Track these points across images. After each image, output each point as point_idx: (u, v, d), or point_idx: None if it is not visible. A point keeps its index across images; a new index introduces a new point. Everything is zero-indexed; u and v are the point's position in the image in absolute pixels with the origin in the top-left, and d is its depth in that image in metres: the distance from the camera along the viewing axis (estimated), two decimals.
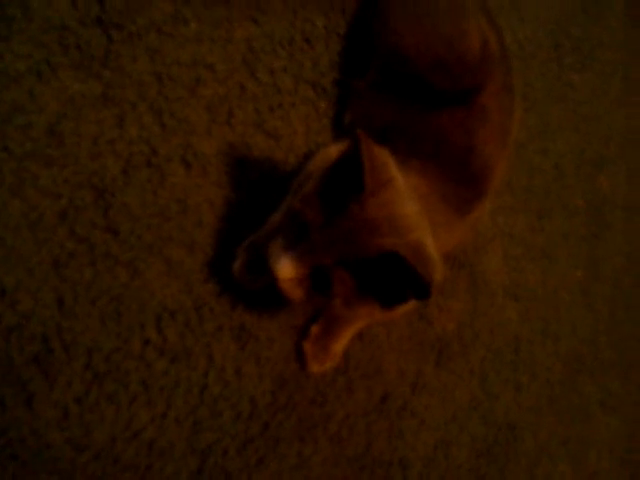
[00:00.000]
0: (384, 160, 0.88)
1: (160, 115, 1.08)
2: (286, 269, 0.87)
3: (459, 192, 1.12)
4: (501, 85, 1.20)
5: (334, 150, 1.17)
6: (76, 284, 0.98)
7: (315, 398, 1.22)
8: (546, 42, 1.85)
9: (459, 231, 1.19)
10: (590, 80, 2.00)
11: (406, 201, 0.90)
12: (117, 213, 1.03)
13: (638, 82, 2.21)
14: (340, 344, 1.22)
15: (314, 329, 1.20)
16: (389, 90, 1.19)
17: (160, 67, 1.09)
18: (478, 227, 1.55)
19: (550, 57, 1.87)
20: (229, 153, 1.15)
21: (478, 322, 1.54)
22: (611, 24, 2.12)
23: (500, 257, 1.62)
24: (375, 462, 1.29)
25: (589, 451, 1.81)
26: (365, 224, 0.84)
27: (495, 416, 1.55)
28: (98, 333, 0.99)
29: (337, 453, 1.24)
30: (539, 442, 1.66)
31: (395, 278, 0.84)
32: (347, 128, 1.25)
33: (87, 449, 0.97)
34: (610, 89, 2.09)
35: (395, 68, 1.18)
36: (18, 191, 0.95)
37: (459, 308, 1.49)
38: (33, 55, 0.97)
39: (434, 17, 1.17)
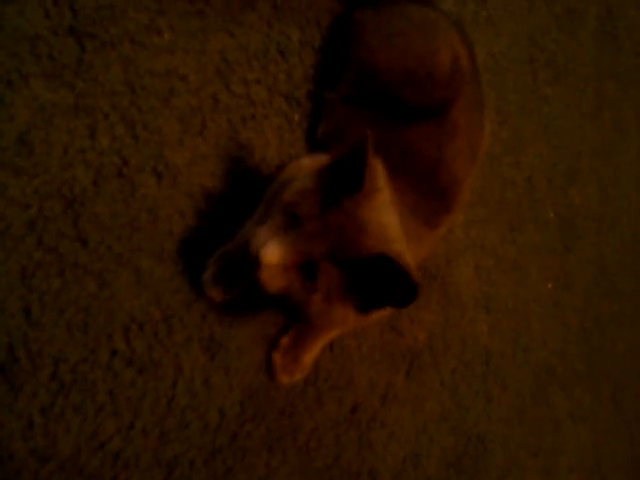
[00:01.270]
0: (380, 169, 0.89)
1: (132, 126, 1.08)
2: (274, 254, 0.84)
3: (428, 205, 1.13)
4: (471, 100, 1.21)
5: (307, 162, 1.18)
6: (43, 294, 0.97)
7: (284, 409, 1.22)
8: (521, 57, 1.88)
9: (427, 243, 1.21)
10: (563, 94, 2.03)
11: (391, 212, 0.92)
12: (87, 223, 1.02)
13: (610, 97, 2.25)
14: (310, 355, 1.22)
15: (284, 340, 1.21)
16: (361, 104, 1.20)
17: (133, 77, 1.09)
18: (449, 239, 1.57)
19: (524, 71, 1.89)
20: (201, 164, 1.15)
21: (449, 333, 1.55)
22: (585, 40, 2.15)
23: (472, 269, 1.63)
24: (344, 473, 1.30)
25: (559, 462, 1.84)
26: (357, 222, 0.85)
27: (465, 427, 1.57)
28: (65, 343, 0.98)
29: (305, 464, 1.24)
30: (509, 453, 1.67)
31: (379, 281, 0.84)
32: (320, 141, 1.26)
33: (51, 460, 0.96)
34: (582, 104, 2.12)
35: (367, 82, 1.19)
36: None
37: (430, 319, 1.50)
38: (4, 64, 0.97)
39: (406, 33, 1.18)
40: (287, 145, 1.27)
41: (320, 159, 1.19)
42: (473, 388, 1.60)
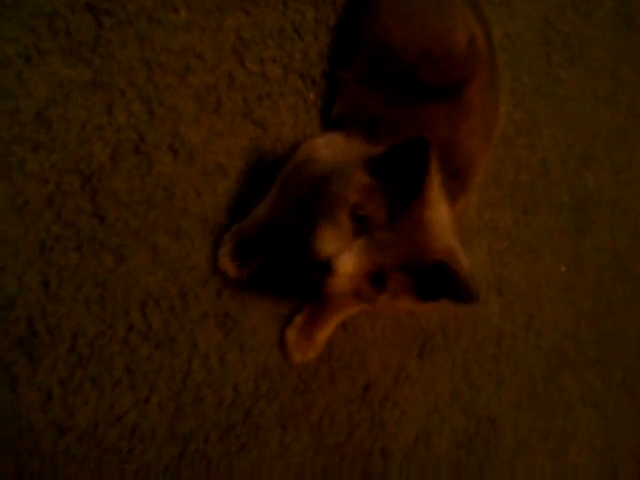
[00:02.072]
0: (436, 161, 0.87)
1: (149, 102, 1.09)
2: (348, 265, 0.85)
3: (443, 185, 1.13)
4: (487, 80, 1.21)
5: (320, 142, 1.18)
6: (62, 268, 0.99)
7: (297, 386, 1.23)
8: (536, 38, 1.86)
9: None
10: (578, 77, 2.02)
11: (444, 202, 0.91)
12: (104, 199, 1.03)
13: (626, 80, 2.22)
14: (324, 334, 1.23)
15: (298, 318, 1.21)
16: (376, 83, 1.20)
17: (150, 54, 1.09)
18: (463, 220, 1.56)
19: (539, 53, 1.88)
20: (217, 142, 1.16)
21: (462, 315, 1.55)
22: (600, 22, 2.13)
23: (485, 251, 1.63)
24: (356, 451, 1.31)
25: (569, 445, 1.83)
26: (425, 228, 0.85)
27: (476, 408, 1.57)
28: (83, 317, 1.00)
29: (318, 441, 1.25)
30: (519, 435, 1.67)
31: (443, 282, 0.85)
32: (335, 120, 1.26)
33: (70, 431, 0.97)
34: (598, 86, 2.10)
35: (382, 61, 1.19)
36: (5, 175, 0.95)
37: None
38: (22, 40, 0.97)
39: (423, 12, 1.18)
40: (302, 124, 1.27)
41: (335, 138, 1.19)
42: (485, 369, 1.60)
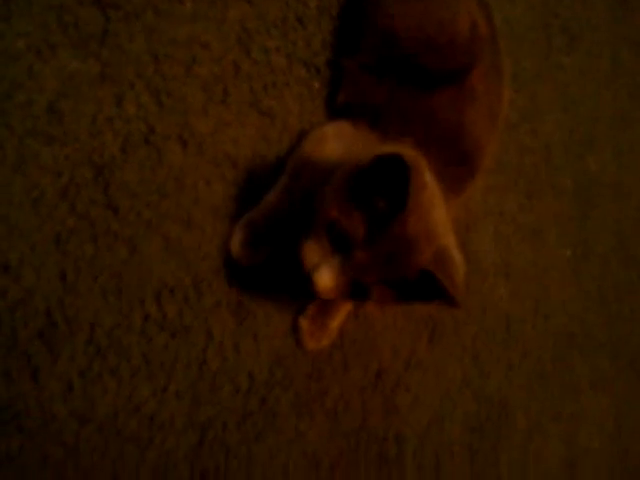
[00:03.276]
0: (423, 167, 0.87)
1: (157, 94, 1.09)
2: (326, 280, 0.89)
3: (451, 171, 1.13)
4: (490, 66, 1.22)
5: (329, 130, 1.19)
6: (78, 260, 0.99)
7: (312, 373, 1.24)
8: (535, 23, 1.87)
9: (452, 210, 1.21)
10: (579, 61, 2.02)
11: (437, 205, 0.92)
12: (116, 190, 1.04)
13: (626, 64, 2.23)
14: (336, 321, 1.24)
15: (311, 307, 1.22)
16: (381, 71, 1.20)
17: (157, 46, 1.10)
18: (469, 205, 1.57)
19: (539, 38, 1.88)
20: (225, 132, 1.16)
21: (470, 300, 1.56)
22: (598, 6, 2.13)
23: (491, 236, 1.64)
24: (371, 437, 1.32)
25: (580, 429, 1.84)
26: (407, 243, 0.86)
27: (487, 393, 1.58)
28: (100, 308, 1.01)
29: (333, 428, 1.26)
30: (531, 419, 1.68)
31: (426, 287, 0.87)
32: (340, 108, 1.27)
33: (91, 421, 0.98)
34: (599, 70, 2.11)
35: (386, 49, 1.19)
36: (20, 168, 0.96)
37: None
38: (33, 34, 0.98)
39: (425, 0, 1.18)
40: (307, 112, 1.28)
41: (343, 127, 1.20)
42: (494, 354, 1.61)
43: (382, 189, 0.86)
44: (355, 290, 0.92)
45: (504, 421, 1.61)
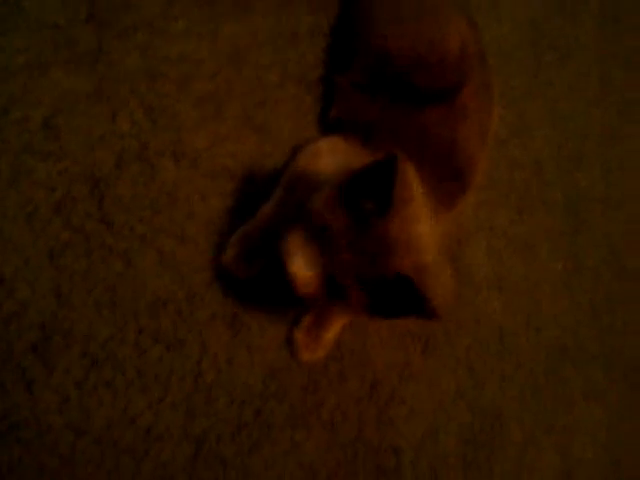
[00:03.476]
0: (412, 177, 0.89)
1: (151, 110, 1.11)
2: (299, 267, 0.90)
3: (443, 187, 1.15)
4: (480, 83, 1.24)
5: (323, 145, 1.21)
6: (72, 274, 1.00)
7: (307, 385, 1.25)
8: (523, 41, 1.90)
9: (444, 225, 1.23)
10: (568, 78, 2.05)
11: (423, 220, 0.92)
12: (111, 205, 1.05)
13: (615, 82, 2.26)
14: (331, 333, 1.24)
15: (306, 318, 1.23)
16: (372, 88, 1.22)
17: (150, 63, 1.12)
18: (461, 220, 1.59)
19: (528, 56, 1.91)
20: (218, 147, 1.18)
21: (463, 312, 1.57)
22: (586, 24, 2.17)
23: (483, 250, 1.65)
24: (367, 448, 1.32)
25: (573, 440, 1.85)
26: (385, 246, 0.87)
27: (481, 404, 1.58)
28: (94, 321, 1.02)
29: (329, 439, 1.26)
30: (524, 430, 1.69)
31: (403, 295, 0.87)
32: (332, 124, 1.29)
33: (86, 433, 0.99)
34: (587, 87, 2.14)
35: (378, 67, 1.21)
36: (15, 183, 0.97)
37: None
38: (27, 52, 1.00)
39: (416, 20, 1.21)
40: (300, 128, 1.29)
41: (336, 143, 1.22)
42: (488, 366, 1.61)
43: (372, 193, 0.87)
44: (331, 289, 0.92)
45: (498, 432, 1.61)
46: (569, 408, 1.85)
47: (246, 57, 1.23)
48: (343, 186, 0.92)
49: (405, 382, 1.41)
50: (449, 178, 1.18)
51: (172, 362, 1.09)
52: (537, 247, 1.83)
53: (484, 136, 1.26)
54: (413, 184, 0.89)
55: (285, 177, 1.18)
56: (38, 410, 0.95)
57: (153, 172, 1.11)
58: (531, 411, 1.72)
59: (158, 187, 1.11)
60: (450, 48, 1.18)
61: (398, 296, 0.87)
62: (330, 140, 1.24)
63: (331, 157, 1.17)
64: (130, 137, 1.09)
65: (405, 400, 1.40)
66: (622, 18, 2.33)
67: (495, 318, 1.66)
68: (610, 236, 2.11)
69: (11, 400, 0.93)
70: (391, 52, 1.19)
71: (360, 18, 1.29)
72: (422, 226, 0.91)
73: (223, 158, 1.18)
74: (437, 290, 0.86)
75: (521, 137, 1.84)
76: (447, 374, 1.51)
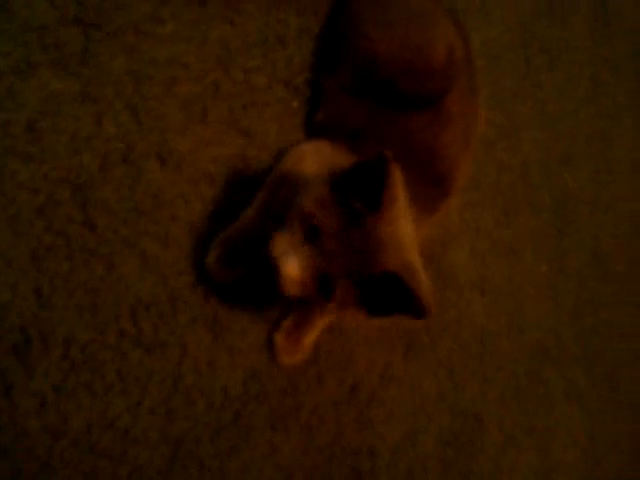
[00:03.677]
0: (399, 177, 0.89)
1: (136, 113, 1.11)
2: (293, 267, 0.90)
3: (425, 192, 1.15)
4: (465, 89, 1.24)
5: (308, 148, 1.21)
6: (54, 277, 1.00)
7: (286, 388, 1.26)
8: (514, 43, 1.90)
9: (425, 229, 1.23)
10: (557, 80, 2.06)
11: (407, 220, 0.94)
12: (94, 208, 1.05)
13: (604, 83, 2.27)
14: (311, 337, 1.25)
15: (286, 322, 1.23)
16: (359, 91, 1.22)
17: (137, 66, 1.11)
18: (444, 222, 1.60)
19: (518, 58, 1.91)
20: (204, 150, 1.18)
21: (445, 315, 1.59)
22: (576, 26, 2.17)
23: (467, 252, 1.66)
24: (344, 451, 1.33)
25: (553, 441, 1.87)
26: (376, 242, 0.87)
27: (462, 406, 1.60)
28: (75, 324, 1.02)
29: (307, 442, 1.27)
30: (505, 432, 1.71)
31: (392, 296, 0.87)
32: (318, 127, 1.29)
33: (64, 436, 0.99)
34: (577, 89, 2.15)
35: (365, 71, 1.21)
36: None
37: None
38: (14, 53, 0.99)
39: (404, 23, 1.20)
40: (286, 131, 1.29)
41: (321, 146, 1.22)
42: (469, 368, 1.63)
43: (361, 192, 0.88)
44: (320, 288, 0.93)
45: (478, 434, 1.63)
46: (550, 409, 1.88)
47: (234, 60, 1.23)
48: (334, 184, 0.92)
49: (386, 384, 1.42)
50: (431, 183, 1.19)
51: (152, 365, 1.09)
52: (522, 249, 1.85)
53: (468, 141, 1.27)
54: (400, 184, 0.89)
55: (269, 180, 1.18)
56: (15, 414, 0.95)
57: (138, 174, 1.10)
58: (512, 413, 1.74)
59: (143, 190, 1.11)
60: (437, 53, 1.18)
61: (388, 294, 0.88)
62: (315, 144, 1.24)
63: (316, 160, 1.17)
64: (116, 139, 1.08)
65: (385, 403, 1.42)
66: (612, 22, 2.34)
67: (477, 320, 1.67)
68: (596, 238, 2.13)
69: None
70: (378, 56, 1.19)
71: (348, 21, 1.28)
72: (406, 226, 0.93)
73: (206, 163, 1.18)
74: (424, 288, 0.87)
75: (509, 139, 1.85)
76: (429, 376, 1.53)
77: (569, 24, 2.13)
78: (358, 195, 0.88)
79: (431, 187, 1.19)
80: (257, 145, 1.25)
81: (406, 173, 1.07)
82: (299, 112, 1.31)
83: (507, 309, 1.77)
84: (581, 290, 2.04)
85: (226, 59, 1.22)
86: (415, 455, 1.46)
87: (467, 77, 1.25)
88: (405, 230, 0.92)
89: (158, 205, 1.12)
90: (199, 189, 1.17)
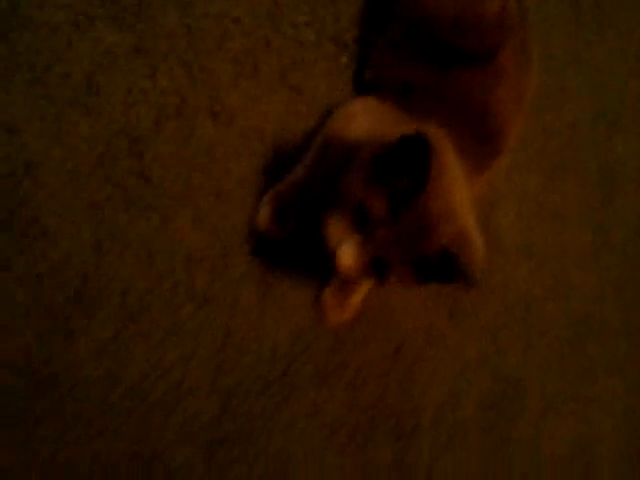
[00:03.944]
0: (445, 150, 0.89)
1: (189, 67, 1.11)
2: (348, 258, 0.90)
3: (477, 150, 1.14)
4: (519, 45, 1.21)
5: (356, 107, 1.20)
6: (112, 227, 1.02)
7: (332, 347, 1.27)
8: (564, 2, 1.85)
9: (477, 187, 1.22)
10: (608, 40, 2.00)
11: (458, 187, 0.92)
12: (150, 161, 1.06)
13: None
14: (357, 297, 1.25)
15: (333, 281, 1.24)
16: (409, 49, 1.21)
17: (189, 20, 1.11)
18: (494, 182, 1.58)
19: (569, 17, 1.86)
20: (254, 105, 1.18)
21: (492, 278, 1.57)
22: None
23: (513, 214, 1.64)
24: (387, 412, 1.34)
25: (593, 409, 1.86)
26: (428, 219, 0.86)
27: (504, 371, 1.59)
28: (132, 275, 1.04)
29: (351, 401, 1.28)
30: (545, 398, 1.70)
31: (444, 264, 0.87)
32: (367, 84, 1.28)
33: (118, 386, 1.02)
34: (629, 49, 2.08)
35: (415, 27, 1.19)
36: (57, 138, 0.98)
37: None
38: (72, 6, 1.00)
39: None
40: (335, 88, 1.28)
41: (370, 105, 1.21)
42: (514, 332, 1.62)
43: (405, 168, 0.86)
44: (376, 269, 0.93)
45: (519, 400, 1.62)
46: (590, 378, 1.85)
47: (283, 15, 1.22)
48: (374, 163, 0.91)
49: (430, 346, 1.42)
50: (482, 140, 1.16)
51: (204, 318, 1.11)
52: (568, 216, 1.81)
53: (521, 99, 1.24)
54: (447, 155, 0.89)
55: (317, 139, 1.18)
56: (74, 361, 0.98)
57: (191, 129, 1.11)
58: (553, 379, 1.73)
59: (196, 143, 1.12)
60: (489, 8, 1.15)
61: (440, 264, 0.88)
62: (364, 101, 1.22)
63: (364, 119, 1.16)
64: (169, 93, 1.09)
65: (428, 365, 1.42)
66: None
67: (522, 285, 1.65)
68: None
69: (50, 350, 0.96)
70: (429, 12, 1.16)
71: None
72: (458, 192, 0.92)
73: (257, 118, 1.18)
74: (475, 258, 0.87)
75: (558, 101, 1.80)
76: (472, 340, 1.52)
77: None
78: (404, 171, 0.87)
79: (483, 144, 1.17)
80: (306, 101, 1.24)
81: (458, 130, 1.07)
82: (348, 68, 1.30)
83: (552, 275, 1.74)
84: (624, 262, 2.00)
85: (276, 13, 1.21)
86: (455, 418, 1.47)
87: (520, 32, 1.22)
88: (457, 197, 0.91)
89: (210, 160, 1.13)
90: (250, 144, 1.17)
